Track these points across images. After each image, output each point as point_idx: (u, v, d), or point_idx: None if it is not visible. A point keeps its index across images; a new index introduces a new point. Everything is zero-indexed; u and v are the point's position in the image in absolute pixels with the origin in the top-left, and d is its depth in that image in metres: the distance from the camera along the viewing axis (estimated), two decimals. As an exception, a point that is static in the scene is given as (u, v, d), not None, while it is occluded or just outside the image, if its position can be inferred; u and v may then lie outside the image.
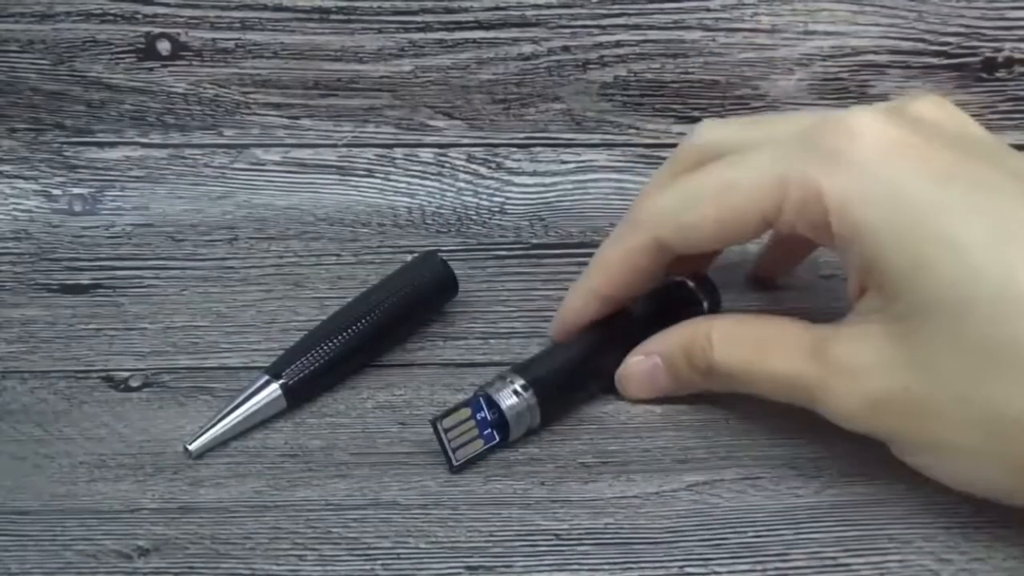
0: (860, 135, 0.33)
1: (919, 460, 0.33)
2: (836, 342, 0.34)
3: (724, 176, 0.36)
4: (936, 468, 0.33)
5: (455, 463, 0.36)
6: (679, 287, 0.43)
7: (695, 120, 0.50)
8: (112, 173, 0.52)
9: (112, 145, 0.52)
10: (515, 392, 0.37)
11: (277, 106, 0.51)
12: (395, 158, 0.51)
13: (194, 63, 0.50)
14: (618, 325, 0.41)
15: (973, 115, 0.36)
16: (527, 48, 0.50)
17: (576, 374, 0.40)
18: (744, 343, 0.37)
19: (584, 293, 0.41)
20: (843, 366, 0.33)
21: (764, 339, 0.36)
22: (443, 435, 0.36)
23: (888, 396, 0.32)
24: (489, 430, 0.37)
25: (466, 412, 0.36)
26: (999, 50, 0.50)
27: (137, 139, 0.52)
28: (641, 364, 0.39)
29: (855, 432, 0.34)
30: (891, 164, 0.32)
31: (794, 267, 0.47)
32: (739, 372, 0.36)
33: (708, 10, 0.49)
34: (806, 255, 0.46)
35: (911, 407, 0.32)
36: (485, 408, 0.37)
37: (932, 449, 0.33)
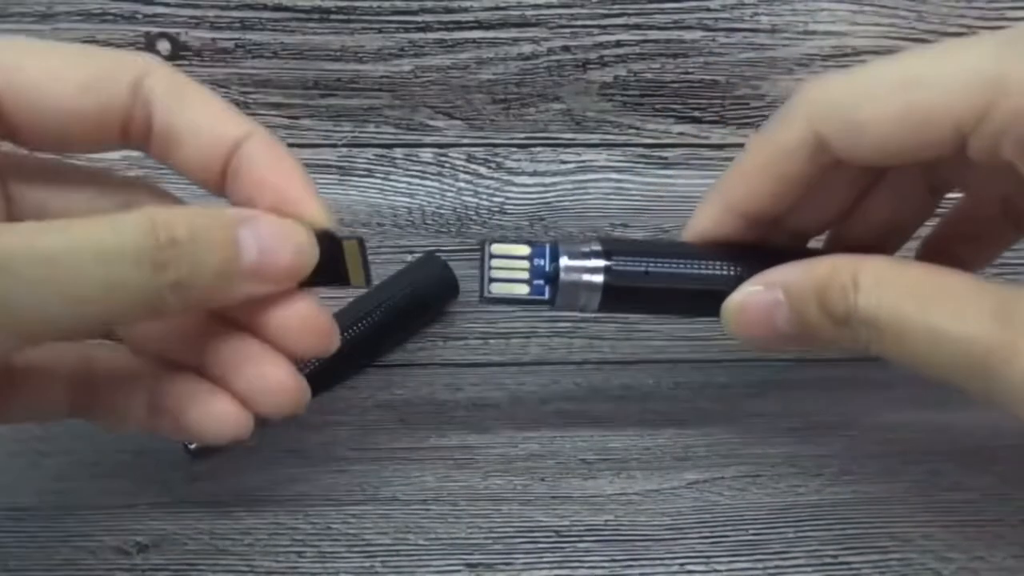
0: None
1: None
2: None
3: (914, 66, 0.29)
4: None
5: (486, 294, 0.32)
6: None
7: (695, 120, 0.51)
8: (112, 173, 0.52)
9: (112, 145, 0.52)
10: (583, 255, 0.32)
11: (277, 106, 0.51)
12: (395, 158, 0.51)
13: (194, 63, 0.50)
14: (755, 256, 0.33)
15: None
16: (527, 48, 0.50)
17: (666, 274, 0.32)
18: (901, 290, 0.28)
19: (713, 207, 0.33)
20: None
21: (930, 288, 0.28)
22: (487, 260, 0.32)
23: None
24: (541, 282, 0.32)
25: (524, 249, 0.32)
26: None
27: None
28: (758, 296, 0.31)
29: None
30: None
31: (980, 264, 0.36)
32: (890, 325, 0.28)
33: (708, 10, 0.49)
34: (994, 248, 0.36)
35: None
36: (547, 258, 0.32)
37: None
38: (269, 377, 0.30)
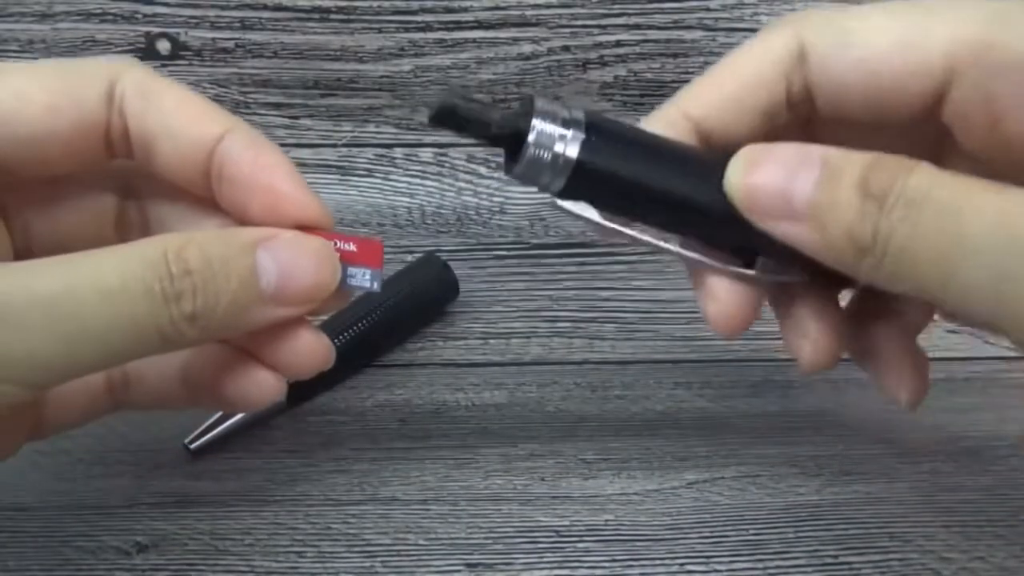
0: None
1: None
2: None
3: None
4: None
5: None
6: None
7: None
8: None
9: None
10: (563, 121, 0.26)
11: (277, 106, 0.51)
12: (395, 158, 0.51)
13: (194, 63, 0.50)
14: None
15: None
16: (527, 48, 0.50)
17: (659, 167, 0.27)
18: (962, 179, 0.23)
19: (670, 107, 0.28)
20: None
21: (997, 185, 0.23)
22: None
23: None
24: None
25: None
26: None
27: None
28: (787, 151, 0.25)
29: None
30: None
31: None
32: (945, 202, 0.23)
33: (708, 10, 0.49)
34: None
35: None
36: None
37: None
38: (300, 344, 0.29)
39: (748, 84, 0.27)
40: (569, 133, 0.26)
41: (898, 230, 0.23)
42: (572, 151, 0.26)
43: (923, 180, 0.23)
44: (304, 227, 0.28)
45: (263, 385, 0.29)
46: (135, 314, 0.24)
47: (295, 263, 0.27)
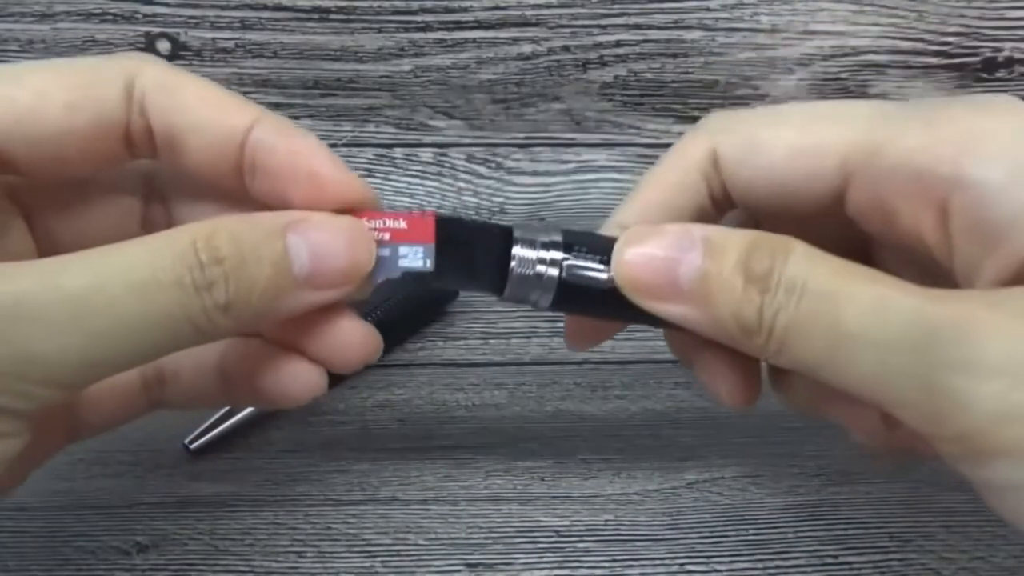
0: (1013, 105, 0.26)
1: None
2: (989, 291, 0.24)
3: (821, 106, 0.28)
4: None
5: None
6: None
7: (695, 120, 0.50)
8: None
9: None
10: (542, 245, 0.28)
11: (277, 106, 0.51)
12: (395, 158, 0.51)
13: (194, 63, 0.50)
14: None
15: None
16: (527, 48, 0.50)
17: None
18: (835, 264, 0.25)
19: (631, 205, 0.30)
20: (1008, 303, 0.23)
21: (869, 271, 0.24)
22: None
23: None
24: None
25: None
26: (999, 50, 0.50)
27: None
28: (670, 235, 0.26)
29: (965, 416, 0.23)
30: None
31: None
32: (822, 288, 0.24)
33: (708, 10, 0.49)
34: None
35: None
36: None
37: None
38: (343, 334, 0.28)
39: (673, 189, 0.29)
40: (549, 255, 0.27)
41: (780, 316, 0.24)
42: (554, 272, 0.27)
43: (800, 266, 0.24)
44: (349, 209, 0.27)
45: (304, 379, 0.29)
46: (167, 306, 0.24)
47: (327, 244, 0.26)
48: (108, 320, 0.23)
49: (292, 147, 0.27)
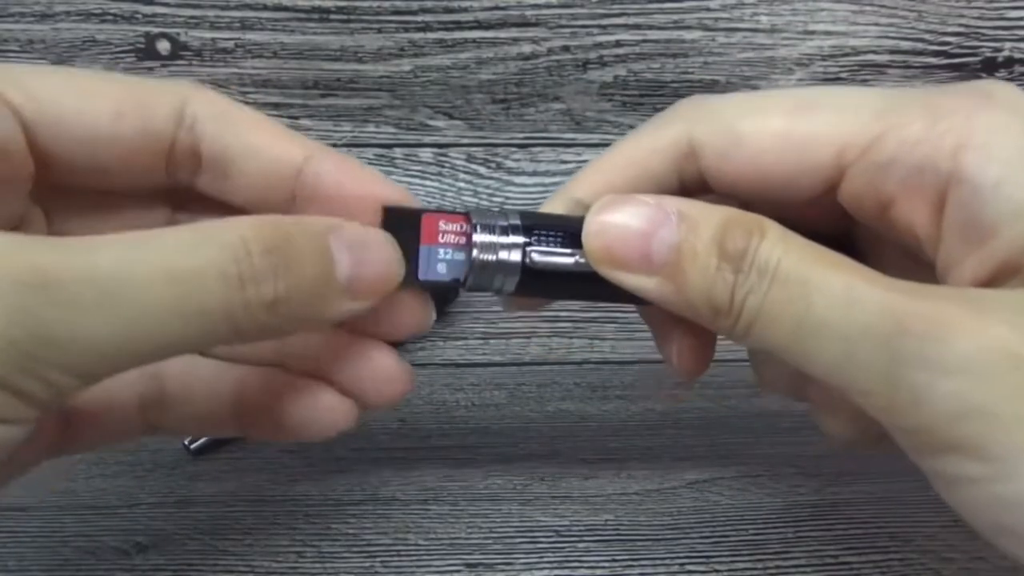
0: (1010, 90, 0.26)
1: (979, 470, 0.23)
2: (960, 288, 0.25)
3: (809, 91, 0.28)
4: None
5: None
6: None
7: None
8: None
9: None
10: (501, 229, 0.27)
11: (277, 106, 0.51)
12: (395, 158, 0.51)
13: (194, 63, 0.50)
14: None
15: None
16: (527, 48, 0.50)
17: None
18: (808, 249, 0.24)
19: (560, 199, 0.29)
20: (977, 301, 0.23)
21: (841, 259, 0.24)
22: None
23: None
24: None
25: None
26: (999, 50, 0.50)
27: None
28: (644, 209, 0.25)
29: (932, 409, 0.23)
30: None
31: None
32: (793, 274, 0.24)
33: (708, 10, 0.49)
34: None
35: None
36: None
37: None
38: (379, 368, 0.28)
39: (638, 178, 0.28)
40: (510, 239, 0.27)
41: (750, 299, 0.24)
42: (516, 256, 0.27)
43: (775, 249, 0.24)
44: None
45: (332, 411, 0.28)
46: (204, 299, 0.22)
47: (366, 252, 0.26)
48: (139, 307, 0.22)
49: (357, 178, 0.27)
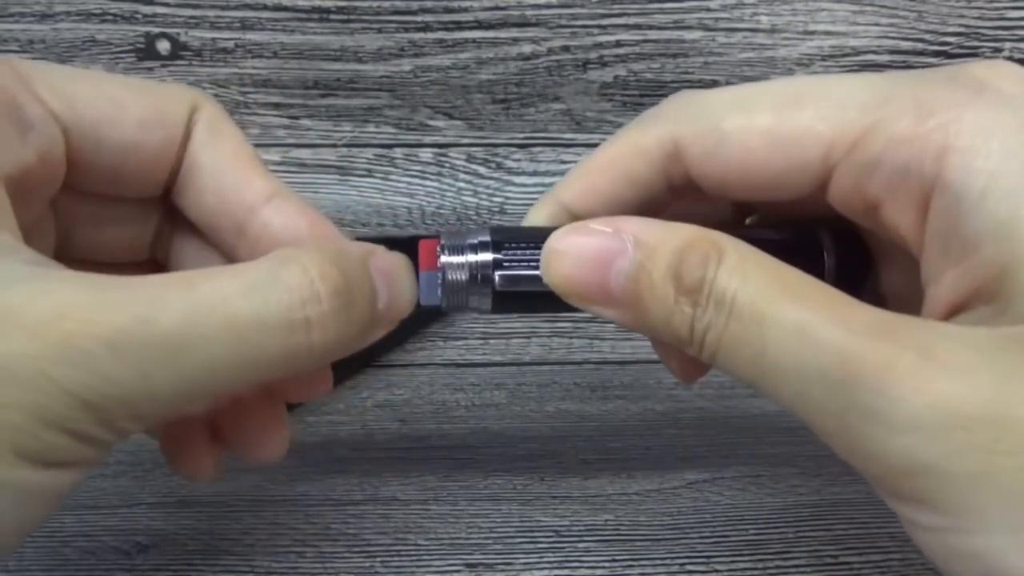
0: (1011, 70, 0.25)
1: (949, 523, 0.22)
2: (919, 327, 0.23)
3: (795, 84, 0.26)
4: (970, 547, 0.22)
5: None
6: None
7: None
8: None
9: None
10: (470, 247, 0.27)
11: (277, 106, 0.51)
12: (395, 158, 0.51)
13: (194, 63, 0.50)
14: None
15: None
16: (527, 48, 0.50)
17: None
18: (769, 276, 0.23)
19: (548, 203, 0.28)
20: (930, 350, 0.22)
21: (800, 285, 0.23)
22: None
23: (978, 408, 0.21)
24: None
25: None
26: (999, 50, 0.50)
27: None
28: (600, 237, 0.25)
29: (885, 461, 0.22)
30: None
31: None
32: (748, 309, 0.23)
33: (708, 10, 0.49)
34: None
35: (995, 432, 0.21)
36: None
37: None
38: (266, 438, 0.29)
39: (623, 181, 0.27)
40: (478, 258, 0.26)
41: (710, 334, 0.23)
42: (485, 274, 0.26)
43: (732, 276, 0.23)
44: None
45: (208, 464, 0.30)
46: (267, 348, 0.23)
47: (396, 280, 0.26)
48: (200, 360, 0.22)
49: (313, 227, 0.28)
